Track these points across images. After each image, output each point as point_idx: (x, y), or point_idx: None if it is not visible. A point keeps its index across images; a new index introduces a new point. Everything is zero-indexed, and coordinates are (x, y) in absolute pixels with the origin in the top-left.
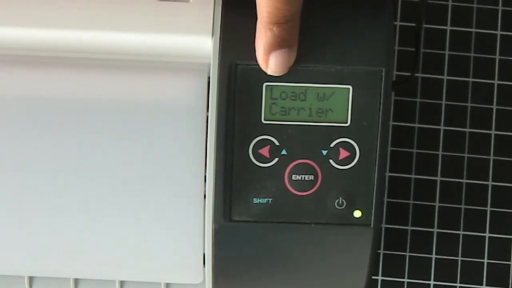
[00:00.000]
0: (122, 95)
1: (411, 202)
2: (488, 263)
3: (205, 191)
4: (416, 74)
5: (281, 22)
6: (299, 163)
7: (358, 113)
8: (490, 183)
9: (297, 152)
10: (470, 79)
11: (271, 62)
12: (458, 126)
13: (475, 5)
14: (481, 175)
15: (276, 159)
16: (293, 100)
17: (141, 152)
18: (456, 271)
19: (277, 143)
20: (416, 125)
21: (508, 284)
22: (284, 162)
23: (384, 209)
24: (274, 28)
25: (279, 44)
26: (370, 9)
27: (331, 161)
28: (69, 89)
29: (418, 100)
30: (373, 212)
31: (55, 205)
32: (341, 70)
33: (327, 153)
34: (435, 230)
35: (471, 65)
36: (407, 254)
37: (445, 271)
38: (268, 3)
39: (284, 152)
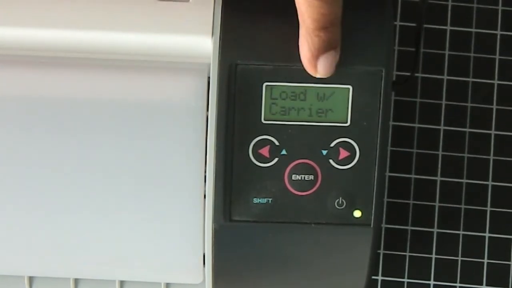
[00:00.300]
0: (122, 95)
1: (411, 202)
2: (488, 263)
3: (205, 191)
4: (416, 74)
5: (327, 26)
6: (299, 163)
7: (358, 113)
8: (490, 183)
9: (297, 152)
10: (470, 79)
11: (320, 66)
12: (458, 126)
13: (475, 5)
14: (481, 175)
15: (276, 159)
16: (293, 100)
17: (141, 152)
18: (456, 271)
19: (277, 143)
20: (416, 125)
21: (508, 284)
22: (284, 162)
23: (384, 209)
24: (321, 34)
25: (326, 47)
26: (370, 9)
27: (331, 161)
28: (69, 89)
29: (418, 100)
30: (373, 212)
31: (55, 205)
32: (341, 70)
33: (327, 153)
34: (435, 230)
35: (471, 65)
36: (407, 254)
37: (445, 271)
38: (312, 10)
39: (284, 152)
